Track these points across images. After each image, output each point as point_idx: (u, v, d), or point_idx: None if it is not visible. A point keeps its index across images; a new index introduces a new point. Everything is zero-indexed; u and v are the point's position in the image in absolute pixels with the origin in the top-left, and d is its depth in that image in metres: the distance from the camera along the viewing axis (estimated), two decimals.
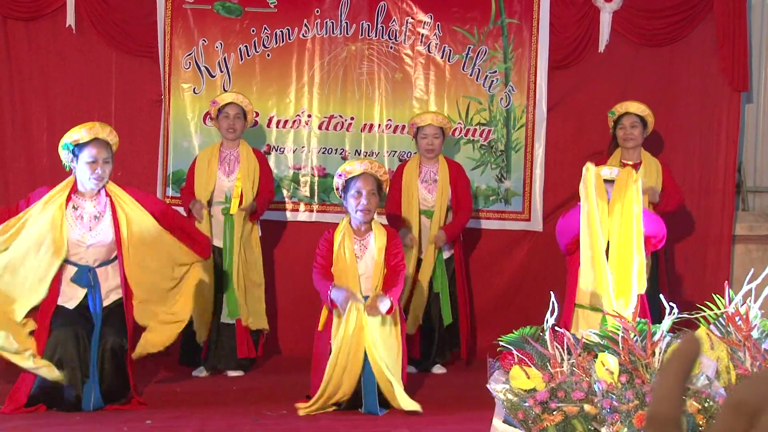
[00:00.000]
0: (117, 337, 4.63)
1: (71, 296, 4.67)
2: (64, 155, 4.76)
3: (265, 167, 5.91)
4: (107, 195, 4.75)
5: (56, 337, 4.53)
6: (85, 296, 4.66)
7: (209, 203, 5.75)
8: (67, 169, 4.80)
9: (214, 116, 5.86)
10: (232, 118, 5.78)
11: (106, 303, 4.70)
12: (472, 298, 6.37)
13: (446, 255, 5.98)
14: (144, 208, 4.76)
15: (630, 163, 5.93)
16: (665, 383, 0.68)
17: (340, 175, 4.92)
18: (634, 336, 3.69)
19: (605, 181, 4.89)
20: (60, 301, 4.65)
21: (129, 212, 4.72)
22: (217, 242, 5.71)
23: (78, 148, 4.70)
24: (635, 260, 4.52)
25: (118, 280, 4.74)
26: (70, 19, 6.32)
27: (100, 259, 4.72)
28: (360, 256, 4.85)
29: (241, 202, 5.70)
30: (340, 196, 4.99)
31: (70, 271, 4.67)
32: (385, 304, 4.63)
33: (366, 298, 4.76)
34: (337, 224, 4.95)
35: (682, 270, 6.57)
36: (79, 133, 4.71)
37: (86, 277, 4.65)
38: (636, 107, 5.96)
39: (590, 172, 4.62)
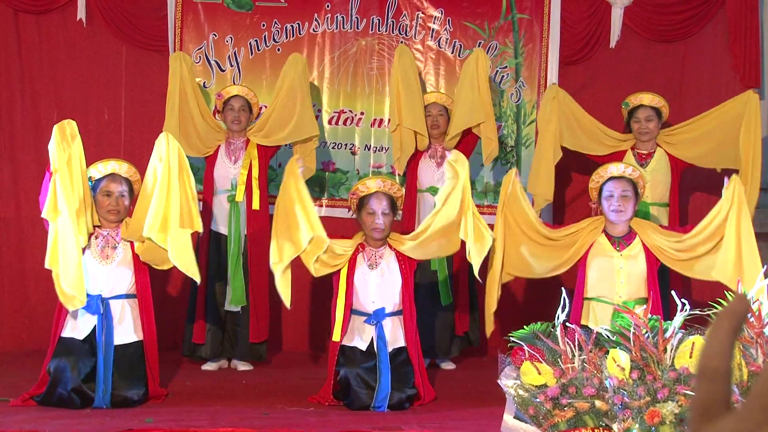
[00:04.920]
0: (128, 389, 4.61)
1: (80, 327, 4.66)
2: None
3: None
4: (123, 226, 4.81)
5: (55, 369, 4.54)
6: (94, 329, 4.64)
7: (213, 192, 5.78)
8: None
9: (220, 109, 5.89)
10: (237, 110, 5.80)
11: (119, 341, 4.67)
12: (472, 283, 6.28)
13: None
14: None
15: (644, 152, 5.90)
16: (716, 339, 0.70)
17: (353, 194, 4.95)
18: (646, 332, 3.68)
19: (612, 178, 4.88)
20: (66, 333, 4.65)
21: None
22: (221, 229, 5.75)
23: (96, 182, 4.77)
24: None
25: (135, 321, 4.73)
26: (81, 13, 6.32)
27: (115, 289, 4.71)
28: (375, 265, 4.86)
29: (249, 190, 5.72)
30: (354, 215, 4.99)
31: None
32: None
33: (382, 310, 4.78)
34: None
35: None
36: (95, 169, 4.79)
37: (96, 304, 4.63)
38: (650, 99, 5.91)
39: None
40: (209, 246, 5.77)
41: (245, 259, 5.72)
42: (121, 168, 4.84)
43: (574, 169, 6.47)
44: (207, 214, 5.80)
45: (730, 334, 0.70)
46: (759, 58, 6.59)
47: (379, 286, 4.84)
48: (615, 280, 4.80)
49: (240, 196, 5.71)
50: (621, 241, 4.88)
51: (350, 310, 4.83)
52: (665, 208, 5.89)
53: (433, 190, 5.92)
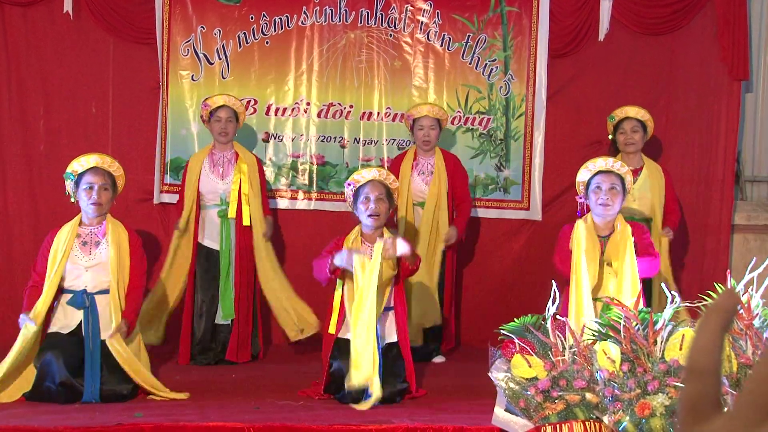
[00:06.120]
0: (117, 383, 4.59)
1: (66, 322, 4.66)
2: (67, 184, 4.81)
3: (261, 171, 5.95)
4: (109, 224, 4.79)
5: (42, 363, 4.53)
6: (80, 324, 4.64)
7: (200, 206, 5.76)
8: (72, 199, 4.83)
9: (206, 119, 5.84)
10: (224, 122, 5.75)
11: (107, 336, 4.64)
12: (460, 295, 6.32)
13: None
14: (129, 252, 4.79)
15: (630, 168, 5.90)
16: (704, 335, 0.68)
17: (349, 184, 4.94)
18: (636, 325, 3.69)
19: (600, 172, 4.86)
20: (53, 328, 4.64)
21: (120, 245, 4.75)
22: (212, 244, 5.72)
23: (79, 176, 4.76)
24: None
25: (119, 316, 4.70)
26: (68, 5, 6.28)
27: (98, 286, 4.70)
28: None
29: (239, 205, 5.70)
30: (351, 206, 4.98)
31: (67, 297, 4.68)
32: (402, 245, 4.60)
33: None
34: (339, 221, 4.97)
35: (682, 259, 6.57)
36: (78, 163, 4.79)
37: (81, 298, 4.63)
38: (635, 111, 5.93)
39: (579, 228, 4.61)
40: (197, 261, 5.76)
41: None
42: (103, 162, 4.82)
43: (567, 156, 6.47)
44: (195, 228, 5.77)
45: (718, 331, 0.68)
46: (747, 50, 6.60)
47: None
48: (604, 285, 4.77)
49: (233, 212, 5.70)
50: (605, 241, 4.84)
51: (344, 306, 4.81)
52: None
53: (423, 205, 5.90)
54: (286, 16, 6.46)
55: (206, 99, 5.90)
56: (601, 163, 4.92)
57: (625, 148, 5.91)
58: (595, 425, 3.55)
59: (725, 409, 0.67)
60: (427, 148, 5.96)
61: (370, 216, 4.80)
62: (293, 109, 6.49)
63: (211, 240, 5.74)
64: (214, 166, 5.78)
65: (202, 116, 5.91)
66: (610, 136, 6.05)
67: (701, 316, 0.70)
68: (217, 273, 5.71)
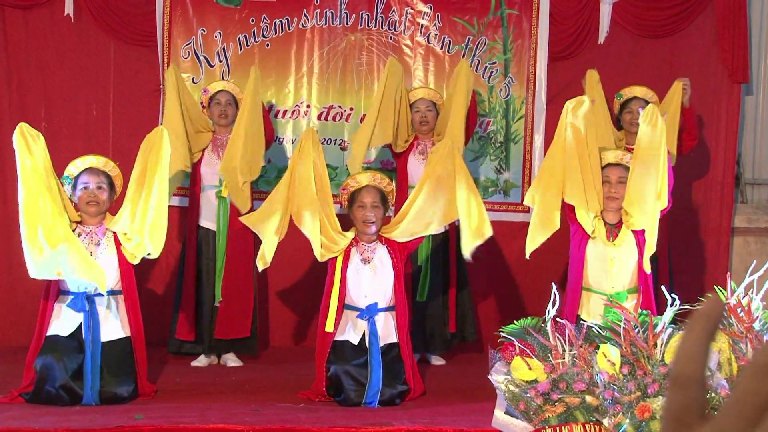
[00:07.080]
0: (117, 386, 4.60)
1: (66, 324, 4.64)
2: (66, 188, 4.81)
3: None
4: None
5: (42, 367, 4.52)
6: (80, 326, 4.63)
7: (200, 188, 5.75)
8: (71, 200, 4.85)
9: (206, 105, 5.86)
10: (224, 104, 5.78)
11: (107, 338, 4.65)
12: (466, 279, 6.30)
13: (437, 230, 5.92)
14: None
15: (634, 147, 5.89)
16: (689, 344, 0.68)
17: (344, 189, 4.96)
18: (636, 327, 3.69)
19: (610, 164, 4.85)
20: (52, 331, 4.63)
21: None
22: (209, 225, 5.73)
23: (76, 179, 4.78)
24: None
25: (122, 318, 4.71)
26: (69, 8, 6.29)
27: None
28: (368, 260, 4.85)
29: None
30: (347, 210, 5.00)
31: (66, 299, 4.66)
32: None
33: (374, 305, 4.77)
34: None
35: (681, 262, 6.56)
36: (74, 166, 4.82)
37: (82, 302, 4.62)
38: (643, 92, 5.91)
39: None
40: (198, 242, 5.76)
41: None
42: (99, 162, 4.84)
43: None
44: (194, 209, 5.79)
45: (704, 338, 0.68)
46: (747, 53, 6.61)
47: (372, 280, 4.83)
48: (608, 270, 4.75)
49: (226, 192, 5.70)
50: (613, 229, 4.82)
51: (342, 305, 4.81)
52: None
53: None
54: (287, 19, 6.46)
55: (206, 86, 5.94)
56: (611, 155, 4.91)
57: (630, 128, 5.89)
58: (595, 428, 3.55)
59: (710, 418, 0.67)
60: (425, 129, 5.96)
61: (365, 223, 4.82)
62: (293, 111, 6.49)
63: (208, 221, 5.75)
64: (214, 148, 5.81)
65: (202, 102, 5.92)
66: (616, 115, 6.02)
67: (686, 324, 0.70)
68: (213, 254, 5.72)
